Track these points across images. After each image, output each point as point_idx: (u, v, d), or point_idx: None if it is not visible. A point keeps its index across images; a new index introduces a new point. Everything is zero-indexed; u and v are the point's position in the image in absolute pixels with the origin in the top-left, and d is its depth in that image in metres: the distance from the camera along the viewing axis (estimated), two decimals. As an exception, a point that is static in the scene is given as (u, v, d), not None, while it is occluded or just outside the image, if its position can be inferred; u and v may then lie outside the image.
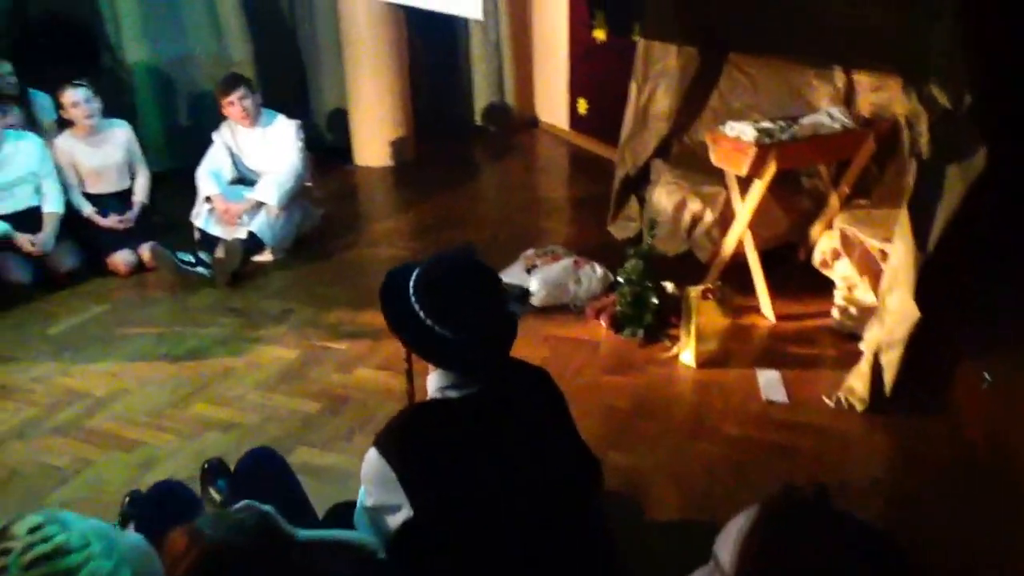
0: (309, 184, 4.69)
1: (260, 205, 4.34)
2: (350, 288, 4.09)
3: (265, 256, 4.39)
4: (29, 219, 4.19)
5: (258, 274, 4.29)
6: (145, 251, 4.24)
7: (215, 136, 4.54)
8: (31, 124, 4.63)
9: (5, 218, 4.14)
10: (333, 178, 5.74)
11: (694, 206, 4.11)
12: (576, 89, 6.44)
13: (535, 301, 3.76)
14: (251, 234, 4.27)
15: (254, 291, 4.11)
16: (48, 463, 2.82)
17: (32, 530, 1.05)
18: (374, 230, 4.92)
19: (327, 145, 6.14)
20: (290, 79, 6.04)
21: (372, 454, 1.64)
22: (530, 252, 4.08)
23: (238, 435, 2.95)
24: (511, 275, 4.02)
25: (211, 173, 4.42)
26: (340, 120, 6.08)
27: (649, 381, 3.25)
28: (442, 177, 5.78)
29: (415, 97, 6.06)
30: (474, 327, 1.68)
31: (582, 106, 6.40)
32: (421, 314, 1.67)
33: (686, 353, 3.34)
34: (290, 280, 4.25)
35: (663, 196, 4.24)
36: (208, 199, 4.37)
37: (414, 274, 1.73)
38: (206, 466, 2.56)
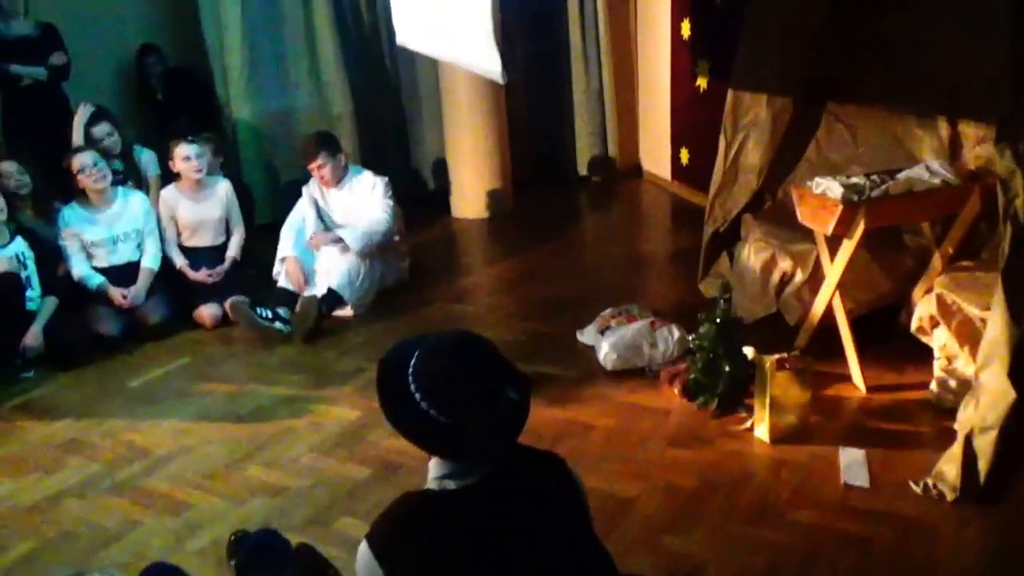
0: (396, 238, 4.68)
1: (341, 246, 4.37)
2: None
3: (346, 312, 4.39)
4: (125, 273, 4.37)
5: (337, 330, 4.28)
6: (215, 310, 4.31)
7: (304, 190, 4.63)
8: (135, 179, 4.89)
9: (105, 271, 4.35)
10: (430, 229, 5.75)
11: (784, 265, 3.82)
12: (679, 138, 6.22)
13: (606, 364, 3.56)
14: (331, 290, 4.29)
15: (329, 348, 4.09)
16: (99, 523, 2.84)
17: None
18: (459, 285, 4.84)
19: (427, 195, 6.18)
20: (390, 130, 6.12)
21: (363, 548, 1.55)
22: (608, 312, 3.89)
23: (284, 501, 2.89)
24: (585, 336, 3.85)
25: (293, 228, 4.49)
26: (441, 170, 6.11)
27: (717, 457, 2.98)
28: (537, 229, 5.67)
29: (516, 147, 6.03)
30: (477, 415, 1.55)
31: (684, 156, 6.17)
32: (417, 396, 1.56)
33: (760, 427, 3.05)
34: (367, 337, 4.21)
35: (751, 253, 3.97)
36: (283, 259, 4.43)
37: (414, 356, 1.61)
38: (232, 538, 2.52)
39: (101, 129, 4.77)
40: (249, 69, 5.58)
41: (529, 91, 6.32)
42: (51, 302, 4.19)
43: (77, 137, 4.68)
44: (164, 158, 4.72)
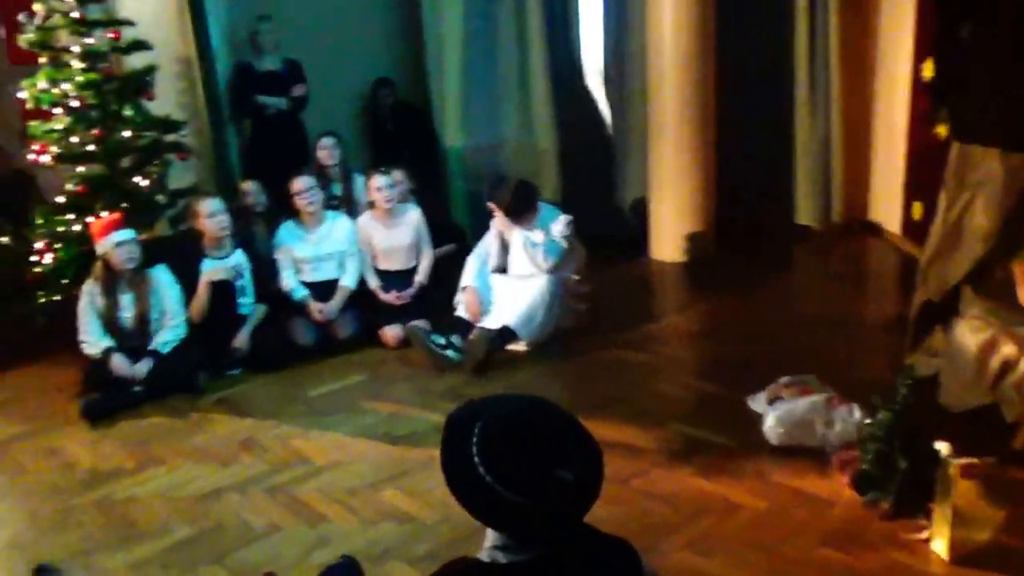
0: (576, 278, 4.64)
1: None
2: (588, 391, 3.93)
3: (519, 346, 4.41)
4: (325, 289, 4.70)
5: (507, 364, 4.30)
6: (398, 331, 4.50)
7: (493, 223, 4.72)
8: (350, 203, 5.26)
9: (308, 286, 4.71)
10: (624, 270, 5.65)
11: (1007, 349, 3.29)
12: (912, 191, 5.63)
13: (770, 438, 3.27)
14: (506, 325, 4.33)
15: (496, 382, 4.12)
16: (248, 521, 3.04)
17: None
18: (640, 330, 4.68)
19: (627, 235, 6.09)
20: (594, 166, 6.11)
21: None
22: (783, 380, 3.58)
23: (410, 530, 2.94)
24: (756, 403, 3.57)
25: (478, 259, 4.60)
26: (642, 209, 5.99)
27: (878, 567, 2.61)
28: (736, 279, 5.39)
29: (724, 188, 5.78)
30: (532, 492, 1.47)
31: (917, 210, 5.57)
32: (477, 460, 1.50)
33: (939, 541, 2.64)
34: (534, 375, 4.20)
35: (967, 332, 3.46)
36: (464, 288, 4.53)
37: (480, 422, 1.55)
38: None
39: (329, 154, 5.20)
40: (463, 104, 5.83)
41: (746, 131, 6.02)
42: (261, 310, 4.60)
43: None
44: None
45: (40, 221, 4.68)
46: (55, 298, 4.59)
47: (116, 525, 3.07)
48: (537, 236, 4.47)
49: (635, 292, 5.43)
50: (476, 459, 1.50)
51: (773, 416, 3.30)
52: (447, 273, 4.87)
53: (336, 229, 4.78)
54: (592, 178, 6.04)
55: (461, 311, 4.54)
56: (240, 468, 3.44)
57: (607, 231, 5.86)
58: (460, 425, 1.60)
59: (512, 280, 4.52)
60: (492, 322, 4.37)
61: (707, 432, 3.43)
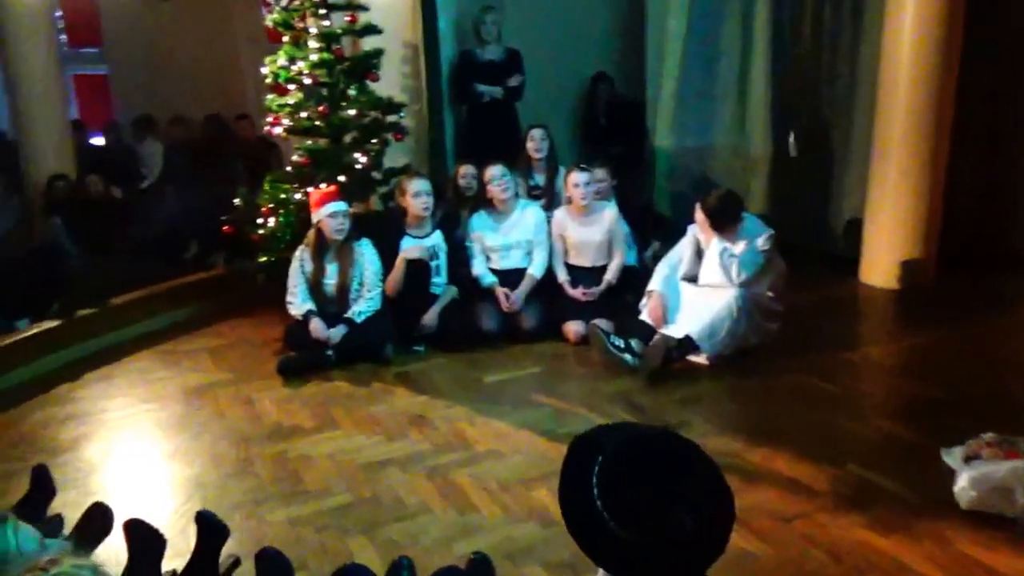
0: (770, 295, 4.39)
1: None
2: (762, 418, 3.71)
3: (700, 358, 4.25)
4: (512, 277, 4.78)
5: (684, 376, 4.17)
6: (580, 327, 4.47)
7: (690, 229, 4.56)
8: (551, 194, 5.29)
9: (496, 273, 4.81)
10: (829, 291, 5.27)
11: None
12: None
13: (959, 500, 2.91)
14: (688, 336, 4.18)
15: (667, 392, 4.00)
16: (402, 498, 3.15)
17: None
18: (833, 358, 4.34)
19: (837, 254, 5.67)
20: (808, 180, 5.73)
21: None
22: (986, 436, 3.16)
23: (551, 534, 2.89)
24: (950, 457, 3.20)
25: (668, 265, 4.46)
26: (855, 230, 5.56)
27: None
28: (950, 312, 4.88)
29: (950, 215, 5.24)
30: (645, 534, 1.39)
31: None
32: (598, 502, 1.44)
33: None
34: (710, 391, 4.04)
35: None
36: (650, 292, 4.41)
37: (605, 452, 1.49)
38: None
39: (536, 146, 5.26)
40: (678, 103, 5.68)
41: (981, 155, 5.40)
42: (451, 291, 4.77)
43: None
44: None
45: (267, 187, 5.11)
46: (273, 259, 5.00)
47: (286, 480, 3.30)
48: (735, 248, 4.27)
49: (836, 316, 5.05)
50: (595, 490, 1.44)
51: (967, 476, 2.93)
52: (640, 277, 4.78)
53: (526, 218, 4.85)
54: (805, 190, 5.68)
55: (645, 315, 4.44)
56: (406, 444, 3.58)
57: (815, 247, 5.50)
58: (584, 452, 1.54)
59: (701, 290, 4.35)
60: (675, 330, 4.24)
61: (888, 480, 3.12)
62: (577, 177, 4.73)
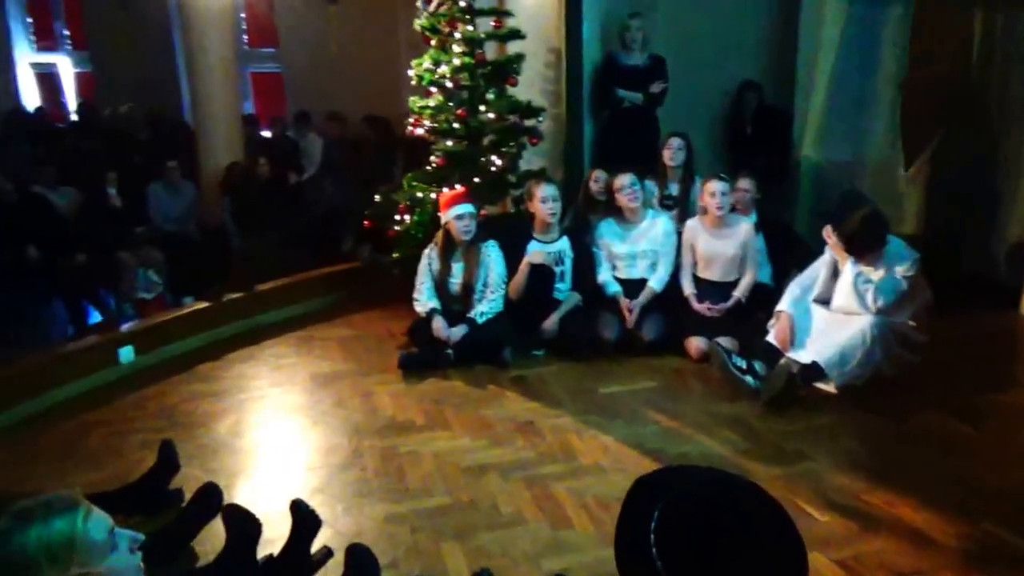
0: (912, 324, 4.06)
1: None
2: (889, 458, 3.46)
3: (827, 386, 4.00)
4: (635, 287, 4.69)
5: (809, 404, 3.93)
6: (703, 344, 4.31)
7: (828, 248, 4.29)
8: (685, 204, 5.15)
9: (620, 283, 4.73)
10: (982, 323, 4.84)
11: None
12: None
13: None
14: (816, 362, 3.95)
15: (785, 420, 3.79)
16: (499, 505, 3.16)
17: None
18: (978, 400, 3.95)
19: (997, 282, 5.18)
20: (971, 200, 5.26)
21: None
22: None
23: (643, 559, 2.83)
24: None
25: (800, 285, 4.22)
26: (1020, 256, 5.06)
27: None
28: None
29: None
30: None
31: None
32: (654, 552, 1.37)
33: None
34: (831, 423, 3.78)
35: None
36: (778, 313, 4.19)
37: (668, 499, 1.42)
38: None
39: (672, 155, 5.13)
40: (828, 115, 5.37)
41: None
42: (574, 298, 4.73)
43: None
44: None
45: (405, 185, 5.27)
46: (406, 255, 5.13)
47: (389, 475, 3.39)
48: (874, 273, 3.98)
49: (988, 351, 4.62)
50: (652, 538, 1.37)
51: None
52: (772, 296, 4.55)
53: (654, 228, 4.74)
54: (964, 211, 5.22)
55: (772, 337, 4.23)
56: (511, 450, 3.59)
57: (973, 274, 5.05)
58: (646, 496, 1.48)
59: (834, 314, 4.09)
60: (802, 355, 4.01)
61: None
62: (715, 186, 4.57)
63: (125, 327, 4.92)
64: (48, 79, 12.72)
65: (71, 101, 12.30)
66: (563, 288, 4.76)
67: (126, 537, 1.59)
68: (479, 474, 3.39)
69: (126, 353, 4.65)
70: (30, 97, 12.13)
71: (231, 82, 7.38)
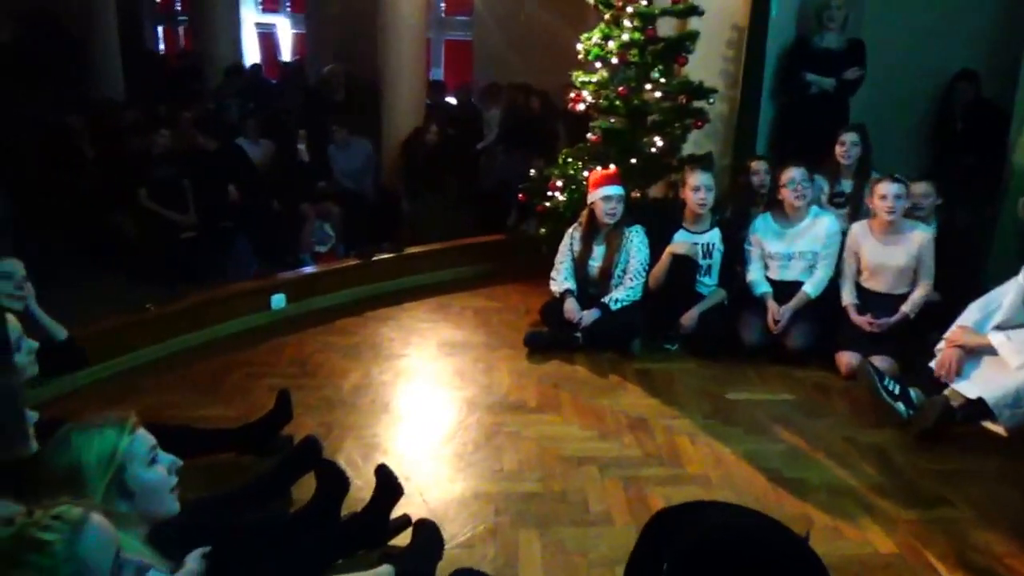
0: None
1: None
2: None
3: (996, 427, 3.49)
4: (788, 290, 4.33)
5: (964, 442, 3.45)
6: (854, 360, 3.90)
7: (1023, 273, 3.74)
8: (856, 204, 4.68)
9: (771, 283, 4.38)
10: None
11: None
12: None
13: None
14: (981, 398, 3.46)
15: (933, 458, 3.35)
16: (588, 501, 2.99)
17: (54, 516, 1.27)
18: None
19: None
20: None
21: None
22: None
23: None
24: None
25: (981, 308, 3.68)
26: None
27: None
28: None
29: None
30: None
31: None
32: None
33: None
34: (986, 468, 3.29)
35: None
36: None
37: (686, 538, 1.27)
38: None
39: (846, 151, 4.68)
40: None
41: None
42: (719, 294, 4.45)
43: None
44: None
45: (560, 162, 5.15)
46: (552, 232, 5.02)
47: (486, 454, 3.32)
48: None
49: None
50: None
51: None
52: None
53: (816, 228, 4.33)
54: None
55: (935, 362, 3.75)
56: (616, 445, 3.42)
57: None
58: (661, 531, 1.33)
59: (1014, 344, 3.55)
60: (967, 387, 3.52)
61: None
62: (886, 188, 4.10)
63: (282, 275, 5.17)
64: (268, 39, 13.67)
65: (285, 60, 13.16)
66: (708, 283, 4.48)
67: (168, 459, 1.87)
68: (576, 465, 3.25)
69: (278, 300, 4.89)
70: (251, 55, 13.07)
71: (418, 48, 7.56)
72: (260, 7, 13.75)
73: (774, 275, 4.41)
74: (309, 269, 5.47)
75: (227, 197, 6.30)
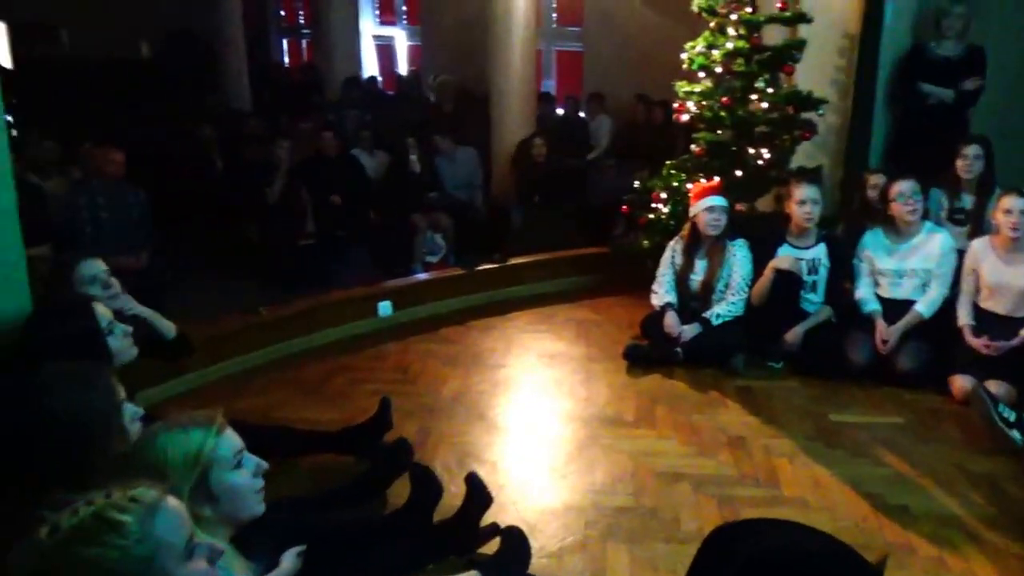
0: None
1: None
2: None
3: (1124, 460, 3.28)
4: (899, 308, 4.17)
5: (1090, 476, 3.26)
6: (969, 384, 3.72)
7: None
8: (978, 221, 4.45)
9: (882, 301, 4.23)
10: None
11: None
12: None
13: None
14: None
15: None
16: (680, 519, 2.98)
17: (131, 498, 1.26)
18: None
19: None
20: None
21: None
22: None
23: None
24: None
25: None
26: None
27: None
28: None
29: None
30: None
31: None
32: None
33: None
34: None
35: None
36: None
37: (751, 553, 1.28)
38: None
39: (967, 166, 4.46)
40: None
41: None
42: (825, 311, 4.33)
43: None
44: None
45: (664, 173, 5.12)
46: (654, 244, 4.99)
47: (579, 466, 3.35)
48: None
49: None
50: None
51: None
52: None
53: (930, 244, 4.16)
54: None
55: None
56: (712, 463, 3.39)
57: None
58: (725, 546, 1.34)
59: None
60: (1092, 417, 3.33)
61: None
62: (1013, 202, 3.88)
63: (389, 283, 5.35)
64: (385, 50, 14.10)
65: (402, 72, 13.54)
66: (814, 299, 4.36)
67: (253, 462, 1.85)
68: (671, 481, 3.24)
69: (384, 307, 5.06)
70: (370, 66, 13.52)
71: (529, 59, 7.64)
72: (378, 19, 14.20)
73: (884, 293, 4.25)
74: (416, 278, 5.62)
75: (340, 206, 6.55)
